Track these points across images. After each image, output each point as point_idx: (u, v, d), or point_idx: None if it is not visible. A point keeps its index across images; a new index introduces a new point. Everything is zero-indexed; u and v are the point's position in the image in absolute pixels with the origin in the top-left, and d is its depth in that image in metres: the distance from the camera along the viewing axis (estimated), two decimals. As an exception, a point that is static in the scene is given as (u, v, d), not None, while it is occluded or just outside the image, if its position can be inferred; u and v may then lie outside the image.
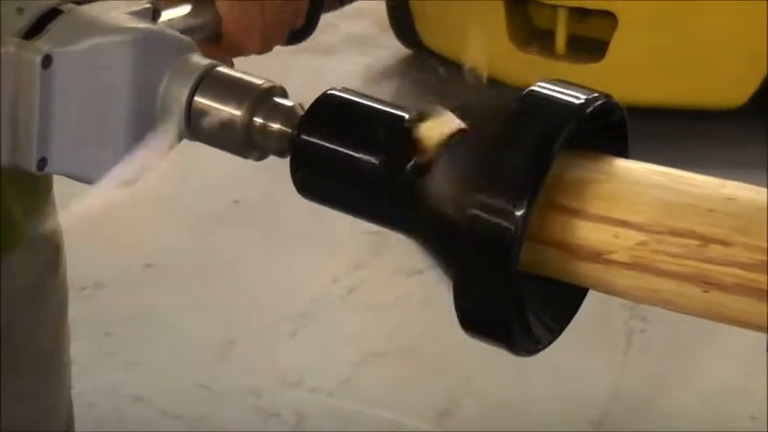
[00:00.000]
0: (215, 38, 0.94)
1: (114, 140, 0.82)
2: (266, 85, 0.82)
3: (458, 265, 0.71)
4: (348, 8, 5.13)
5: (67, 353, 1.21)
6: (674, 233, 0.69)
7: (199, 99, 0.82)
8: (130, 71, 0.80)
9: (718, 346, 3.02)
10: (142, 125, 0.82)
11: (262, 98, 0.81)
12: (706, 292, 0.68)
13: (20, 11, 0.79)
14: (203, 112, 0.82)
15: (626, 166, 0.73)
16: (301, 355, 3.03)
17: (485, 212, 0.69)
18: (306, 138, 0.79)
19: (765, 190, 0.70)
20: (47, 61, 0.77)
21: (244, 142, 0.82)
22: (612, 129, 0.75)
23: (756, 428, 2.65)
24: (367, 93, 0.80)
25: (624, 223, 0.70)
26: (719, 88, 4.20)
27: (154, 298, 3.24)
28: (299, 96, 0.82)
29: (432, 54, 4.56)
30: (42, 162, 0.80)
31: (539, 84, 0.73)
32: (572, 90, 0.72)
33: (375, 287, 3.35)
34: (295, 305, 3.22)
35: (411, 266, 3.30)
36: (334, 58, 4.72)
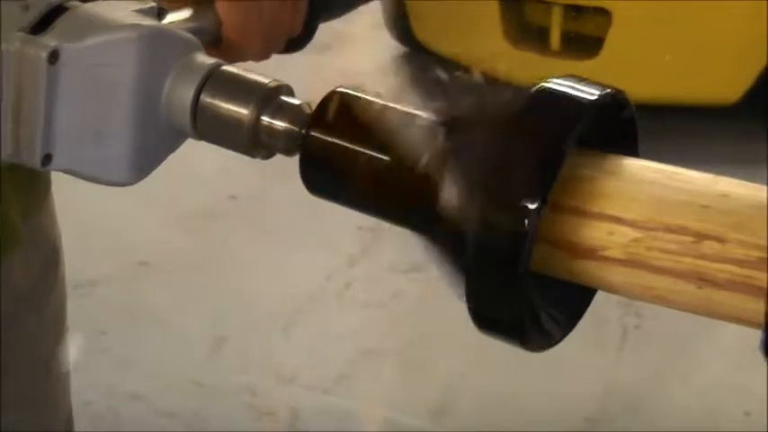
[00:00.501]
0: (214, 42, 0.94)
1: (119, 138, 0.81)
2: (273, 83, 0.82)
3: (470, 264, 0.71)
4: (342, 5, 5.12)
5: (66, 354, 1.21)
6: (668, 230, 0.69)
7: (205, 98, 0.81)
8: (136, 68, 0.80)
9: (712, 343, 3.03)
10: (147, 123, 0.82)
11: (268, 97, 0.81)
12: (700, 288, 0.68)
13: (25, 7, 0.79)
14: (209, 112, 0.81)
15: (620, 163, 0.73)
16: (296, 352, 3.03)
17: (497, 212, 0.69)
18: (315, 136, 0.78)
19: (760, 186, 0.70)
20: (53, 57, 0.77)
21: (251, 141, 0.81)
22: (621, 126, 0.75)
23: (751, 424, 2.66)
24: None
25: (618, 220, 0.70)
26: (714, 85, 4.20)
27: (148, 295, 3.24)
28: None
29: (427, 52, 4.56)
30: (47, 158, 0.79)
31: (549, 80, 0.72)
32: (584, 86, 0.72)
33: (370, 284, 3.35)
34: (290, 302, 3.22)
35: (406, 263, 3.30)
36: (329, 55, 4.73)
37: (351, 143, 0.77)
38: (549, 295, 0.74)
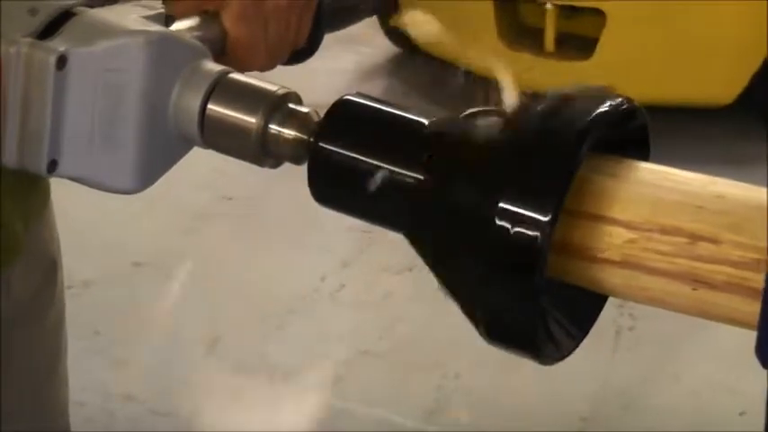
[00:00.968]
0: (219, 53, 0.93)
1: (125, 145, 0.81)
2: (281, 91, 0.81)
3: (482, 274, 0.70)
4: (337, 5, 5.12)
5: (65, 363, 1.21)
6: (663, 231, 0.69)
7: (212, 107, 0.81)
8: (143, 74, 0.80)
9: (706, 344, 3.03)
10: (154, 130, 0.81)
11: (276, 105, 0.80)
12: (695, 290, 0.68)
13: (33, 12, 0.78)
14: (217, 120, 0.81)
15: (615, 165, 0.73)
16: (290, 352, 3.02)
17: (511, 221, 0.68)
18: (324, 145, 0.77)
19: (755, 187, 0.70)
20: (61, 62, 0.77)
21: (259, 150, 0.81)
22: (633, 134, 0.75)
23: (745, 424, 2.66)
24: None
25: (614, 221, 0.70)
26: (708, 86, 4.20)
27: (143, 296, 3.24)
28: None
29: (421, 53, 4.56)
30: (53, 165, 0.79)
31: (562, 90, 0.72)
32: (595, 96, 0.72)
33: (363, 285, 3.35)
34: (283, 303, 3.22)
35: (399, 264, 3.30)
36: (324, 56, 4.71)
37: (358, 152, 0.76)
38: (559, 305, 0.73)
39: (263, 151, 0.81)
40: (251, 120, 0.80)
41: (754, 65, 4.15)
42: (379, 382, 2.91)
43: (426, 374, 2.93)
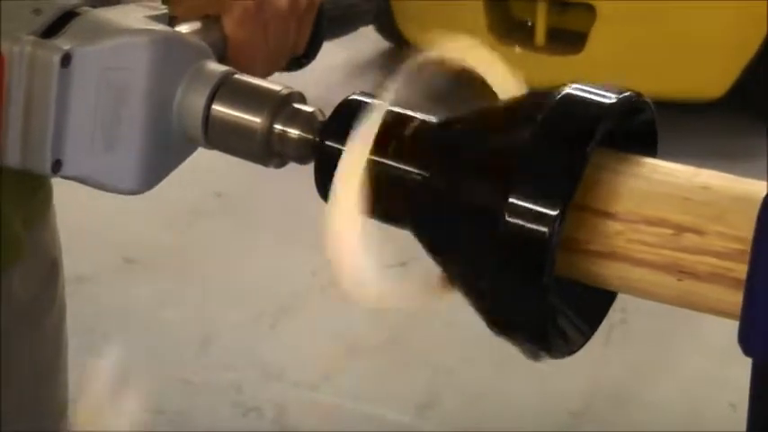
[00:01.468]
0: (220, 57, 0.93)
1: (129, 145, 0.81)
2: (285, 91, 0.81)
3: (491, 271, 0.70)
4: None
5: (65, 363, 1.21)
6: (649, 222, 0.69)
7: (216, 107, 0.81)
8: (148, 74, 0.79)
9: (697, 337, 3.03)
10: (158, 130, 0.81)
11: (281, 104, 0.80)
12: (680, 280, 0.68)
13: (37, 11, 0.78)
14: (221, 120, 0.81)
15: (602, 156, 0.73)
16: (282, 348, 3.02)
17: (520, 218, 0.68)
18: (330, 144, 0.77)
19: (740, 178, 0.70)
20: (66, 60, 0.76)
21: (264, 150, 0.80)
22: (640, 128, 0.75)
23: (736, 417, 2.66)
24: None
25: (601, 213, 0.70)
26: (698, 80, 4.21)
27: (134, 293, 3.23)
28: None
29: (411, 47, 4.56)
30: (57, 165, 0.79)
31: (569, 86, 0.72)
32: (602, 90, 0.72)
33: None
34: (275, 299, 3.22)
35: (391, 258, 3.30)
36: (314, 51, 4.71)
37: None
38: (569, 301, 0.73)
39: (267, 151, 0.80)
40: (256, 120, 0.80)
41: (743, 60, 4.16)
42: (371, 379, 2.91)
43: (418, 370, 2.93)
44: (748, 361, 0.67)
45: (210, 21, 0.95)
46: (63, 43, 0.77)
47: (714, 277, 0.67)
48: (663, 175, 0.71)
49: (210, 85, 0.81)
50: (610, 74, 3.94)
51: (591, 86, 0.72)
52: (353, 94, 0.79)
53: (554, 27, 4.29)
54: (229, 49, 0.96)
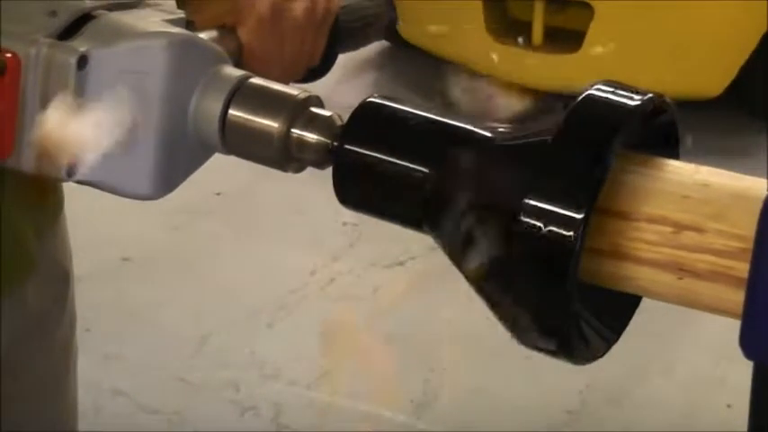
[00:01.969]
0: (235, 67, 0.93)
1: (145, 149, 0.79)
2: (302, 95, 0.80)
3: (513, 276, 0.69)
4: None
5: (75, 369, 1.20)
6: (649, 220, 0.69)
7: (233, 111, 0.80)
8: (164, 76, 0.78)
9: (694, 336, 3.03)
10: (174, 135, 0.80)
11: (298, 109, 0.79)
12: (680, 279, 0.68)
13: (52, 13, 0.77)
14: (238, 125, 0.80)
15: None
16: (279, 347, 3.02)
17: (543, 221, 0.67)
18: (349, 148, 0.76)
19: (740, 176, 0.70)
20: (82, 62, 0.76)
21: (281, 155, 0.79)
22: (661, 130, 0.74)
23: (733, 417, 2.66)
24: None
25: (601, 210, 0.70)
26: (696, 78, 4.21)
27: (132, 292, 3.23)
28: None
29: (410, 46, 4.56)
30: (72, 169, 0.78)
31: (592, 87, 0.71)
32: (625, 92, 0.71)
33: (353, 279, 3.35)
34: (273, 297, 3.22)
35: (389, 258, 3.30)
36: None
37: (386, 155, 0.75)
38: (593, 306, 0.73)
39: (285, 156, 0.79)
40: (273, 124, 0.79)
41: (741, 58, 4.16)
42: (367, 377, 2.91)
43: (415, 369, 2.93)
44: (745, 361, 0.67)
45: (226, 30, 0.94)
46: (79, 45, 0.76)
47: (714, 276, 0.66)
48: (663, 173, 0.71)
49: (227, 89, 0.80)
50: (607, 73, 3.93)
51: (613, 87, 0.72)
52: (370, 96, 0.78)
53: (551, 26, 4.28)
54: (245, 59, 0.95)
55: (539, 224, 0.67)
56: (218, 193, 3.79)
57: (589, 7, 4.14)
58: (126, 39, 0.78)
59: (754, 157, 3.97)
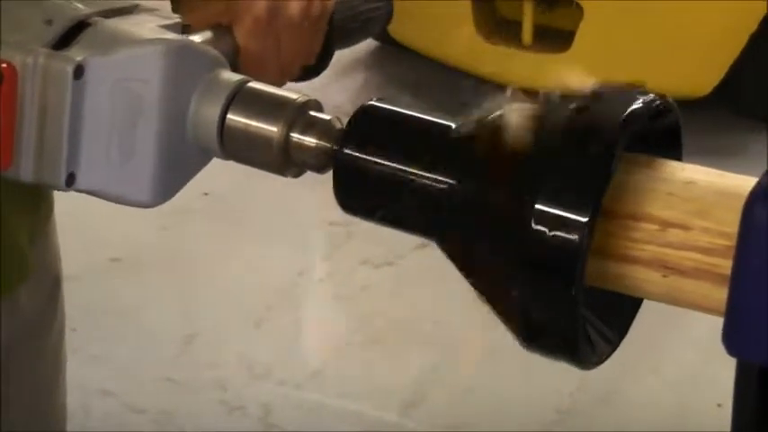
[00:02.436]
0: (231, 67, 0.93)
1: (144, 157, 0.79)
2: (301, 99, 0.80)
3: (520, 281, 0.69)
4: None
5: (65, 372, 1.20)
6: (635, 218, 0.69)
7: (232, 116, 0.79)
8: (162, 83, 0.78)
9: (683, 335, 3.03)
10: (173, 141, 0.80)
11: (297, 113, 0.79)
12: (665, 276, 0.68)
13: (48, 22, 0.77)
14: (237, 130, 0.79)
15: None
16: (267, 347, 3.02)
17: (548, 225, 0.67)
18: (349, 151, 0.76)
19: (725, 173, 0.69)
20: (79, 71, 0.75)
21: (281, 160, 0.79)
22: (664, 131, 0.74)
23: (722, 416, 2.66)
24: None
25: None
26: (685, 78, 4.21)
27: (120, 292, 3.22)
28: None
29: (400, 46, 4.55)
30: (71, 178, 0.77)
31: (592, 90, 0.71)
32: (627, 92, 0.71)
33: (342, 279, 3.34)
34: (262, 297, 3.21)
35: (378, 258, 3.29)
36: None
37: (387, 159, 0.74)
38: (596, 309, 0.72)
39: (285, 161, 0.79)
40: (272, 129, 0.78)
41: (730, 57, 4.16)
42: (356, 376, 2.91)
43: (404, 368, 2.92)
44: (734, 360, 0.67)
45: (222, 30, 0.94)
46: (76, 54, 0.76)
47: (699, 273, 0.66)
48: (648, 170, 0.71)
49: (225, 94, 0.79)
50: (596, 72, 3.94)
51: (614, 88, 0.71)
52: (370, 100, 0.78)
53: (541, 25, 4.28)
54: (241, 59, 0.95)
55: (544, 228, 0.67)
56: (206, 194, 3.78)
57: (579, 7, 4.14)
58: (122, 46, 0.77)
59: (742, 155, 3.97)
